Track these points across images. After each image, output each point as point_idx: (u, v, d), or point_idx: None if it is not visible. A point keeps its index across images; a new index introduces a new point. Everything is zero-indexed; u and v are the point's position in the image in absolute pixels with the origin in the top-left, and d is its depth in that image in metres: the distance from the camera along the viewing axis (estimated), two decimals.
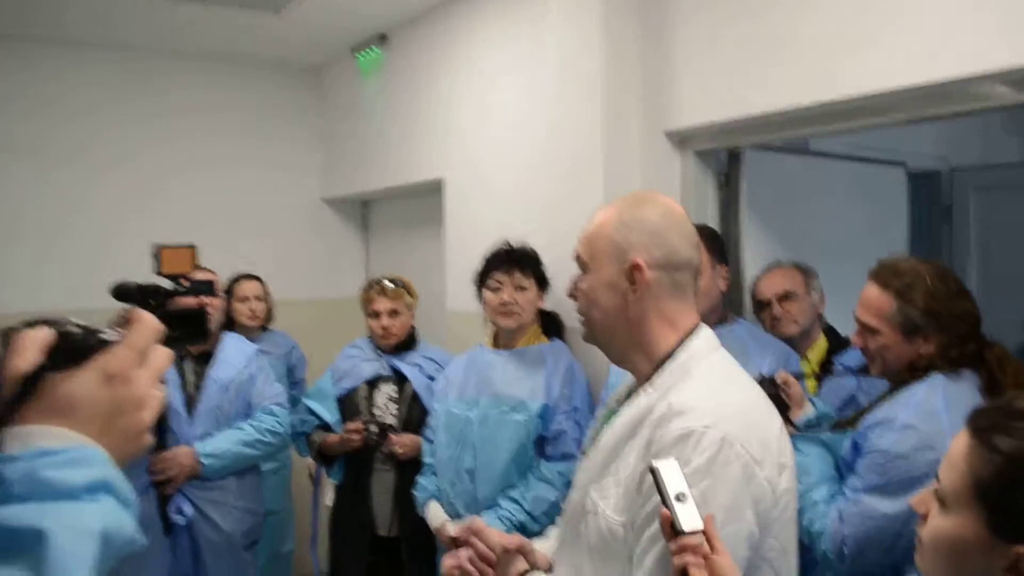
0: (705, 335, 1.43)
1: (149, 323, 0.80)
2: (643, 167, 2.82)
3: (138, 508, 0.76)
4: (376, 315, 3.08)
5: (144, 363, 0.79)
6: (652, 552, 1.23)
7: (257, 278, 3.89)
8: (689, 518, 1.13)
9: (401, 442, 2.93)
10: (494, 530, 1.51)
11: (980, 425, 1.02)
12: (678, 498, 1.14)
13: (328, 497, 3.29)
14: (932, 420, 1.76)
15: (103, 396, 0.75)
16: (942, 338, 1.86)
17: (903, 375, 1.91)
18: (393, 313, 3.08)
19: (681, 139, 2.88)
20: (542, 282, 2.78)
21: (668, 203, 1.47)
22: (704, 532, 1.13)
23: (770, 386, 2.06)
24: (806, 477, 1.91)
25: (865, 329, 1.94)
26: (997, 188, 4.08)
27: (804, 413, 2.09)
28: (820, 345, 2.81)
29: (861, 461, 1.85)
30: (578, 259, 1.48)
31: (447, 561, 1.52)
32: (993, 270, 4.01)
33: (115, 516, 0.72)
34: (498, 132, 3.32)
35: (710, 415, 1.26)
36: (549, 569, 1.50)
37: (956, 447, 1.04)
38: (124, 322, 0.80)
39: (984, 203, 4.12)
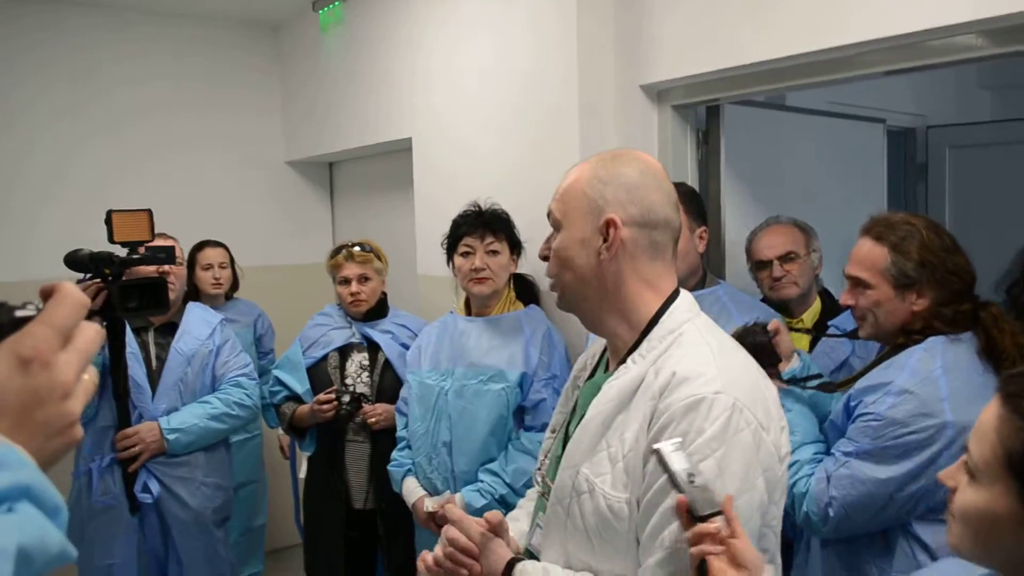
0: (686, 300, 1.38)
1: (72, 296, 0.67)
2: (619, 123, 2.74)
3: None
4: (345, 281, 2.98)
5: (68, 344, 0.67)
6: (667, 529, 1.17)
7: (221, 244, 3.78)
8: (706, 501, 1.08)
9: (374, 412, 2.85)
10: (471, 519, 1.44)
11: (1011, 391, 0.96)
12: (690, 480, 1.09)
13: (302, 470, 3.20)
14: (930, 386, 1.70)
15: (17, 384, 0.63)
16: (936, 294, 1.81)
17: (896, 337, 1.85)
18: (363, 279, 2.97)
19: (658, 93, 2.81)
20: (515, 245, 2.67)
21: (647, 160, 1.40)
22: (723, 514, 1.08)
23: (762, 333, 2.00)
24: (790, 436, 1.85)
25: (857, 284, 1.88)
26: (971, 146, 4.07)
27: (790, 366, 2.04)
28: (815, 308, 2.76)
29: (853, 425, 1.79)
30: (551, 217, 1.40)
31: (427, 558, 1.45)
32: (967, 227, 4.00)
33: (35, 528, 0.60)
34: (469, 88, 3.20)
35: (718, 381, 1.21)
36: (519, 553, 1.45)
37: (986, 416, 0.98)
38: (47, 296, 0.69)
39: (959, 160, 4.11)
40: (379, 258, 3.03)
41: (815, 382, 2.00)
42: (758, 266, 2.74)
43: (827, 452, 1.87)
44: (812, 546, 1.93)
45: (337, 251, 3.02)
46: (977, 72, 4.41)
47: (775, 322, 2.08)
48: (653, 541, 1.19)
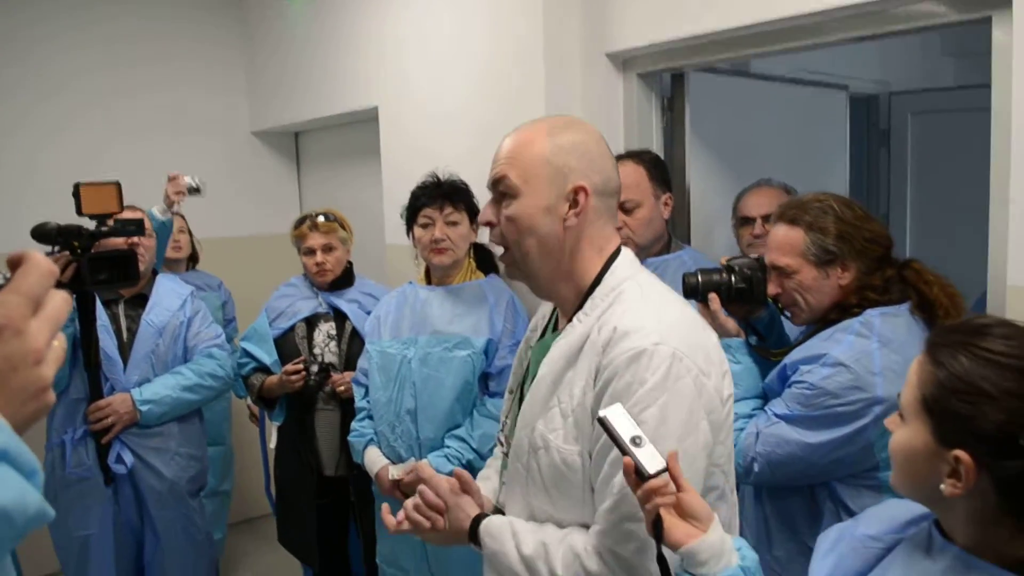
0: (627, 257, 1.43)
1: (40, 265, 0.69)
2: (584, 90, 2.75)
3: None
4: (310, 252, 2.97)
5: (38, 311, 0.68)
6: (618, 476, 1.22)
7: (178, 214, 3.75)
8: (651, 460, 1.12)
9: (343, 380, 2.86)
10: (441, 477, 1.48)
11: (933, 341, 1.09)
12: (634, 442, 1.13)
13: (272, 439, 3.21)
14: (864, 359, 1.74)
15: None
16: (858, 265, 1.83)
17: (832, 314, 1.87)
18: (328, 249, 2.97)
19: (624, 61, 2.82)
20: (474, 215, 2.66)
21: (593, 128, 1.44)
22: (668, 471, 1.13)
23: (759, 269, 1.99)
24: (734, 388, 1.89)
25: (779, 273, 1.90)
26: (933, 112, 4.12)
27: (762, 312, 2.07)
28: None
29: (788, 390, 1.83)
30: (504, 182, 1.39)
31: (393, 518, 1.49)
32: (928, 193, 4.07)
33: (14, 489, 0.62)
34: (435, 57, 3.19)
35: (657, 332, 1.27)
36: (491, 509, 1.50)
37: (912, 365, 1.10)
38: (15, 265, 0.70)
39: (921, 127, 4.16)
40: (344, 227, 3.03)
41: (757, 341, 2.05)
42: (742, 222, 2.76)
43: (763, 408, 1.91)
44: (746, 495, 1.97)
45: (301, 221, 3.01)
46: (940, 39, 4.45)
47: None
48: (605, 487, 1.26)
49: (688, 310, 1.40)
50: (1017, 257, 1.91)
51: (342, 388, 2.86)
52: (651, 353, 1.24)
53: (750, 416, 1.88)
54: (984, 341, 1.02)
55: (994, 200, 2.01)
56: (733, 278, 2.00)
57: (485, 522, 1.41)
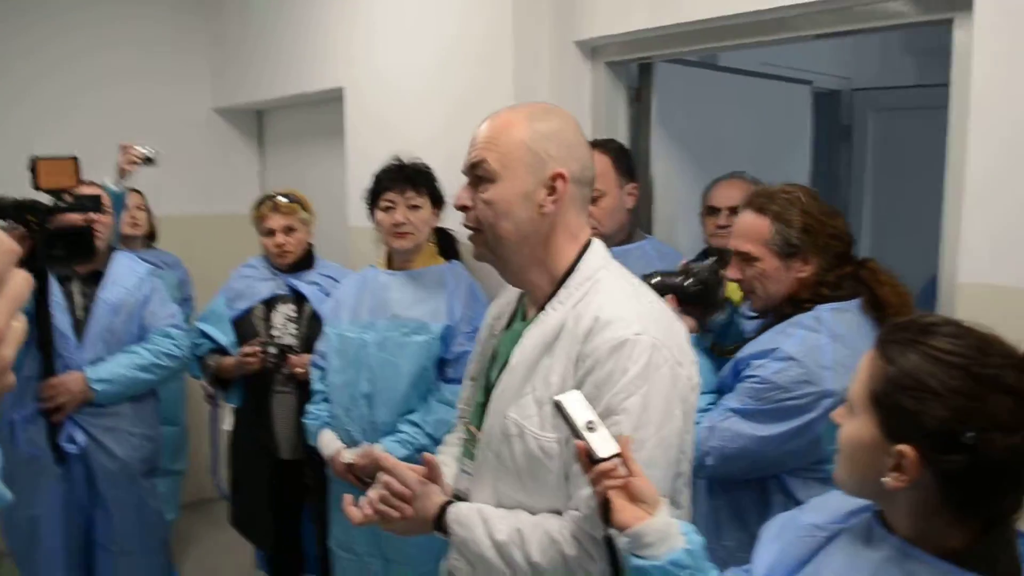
0: (598, 248, 1.44)
1: (2, 243, 0.66)
2: (553, 77, 2.75)
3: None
4: (270, 233, 2.94)
5: None
6: None
7: (136, 190, 3.71)
8: (603, 445, 1.15)
9: (301, 362, 2.84)
10: (405, 465, 1.48)
11: (883, 338, 1.11)
12: (588, 427, 1.15)
13: (227, 422, 3.18)
14: (815, 353, 1.77)
15: None
16: (819, 260, 1.85)
17: (784, 307, 1.89)
18: (288, 230, 2.94)
19: (592, 50, 2.83)
20: (437, 199, 2.66)
21: (571, 116, 1.45)
22: (620, 455, 1.15)
23: (714, 275, 2.03)
24: None
25: (742, 259, 1.92)
26: (894, 109, 4.17)
27: (718, 314, 2.10)
28: None
29: (740, 384, 1.86)
30: (482, 166, 1.39)
31: (356, 510, 1.48)
32: (888, 188, 4.13)
33: None
34: (403, 40, 3.17)
35: (638, 323, 1.29)
36: (453, 496, 1.49)
37: (863, 360, 1.12)
38: None
39: (882, 123, 4.21)
40: (305, 209, 2.99)
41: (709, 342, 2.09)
42: (708, 211, 2.77)
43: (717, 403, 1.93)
44: (698, 487, 2.00)
45: (262, 202, 2.97)
46: (902, 37, 4.52)
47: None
48: (581, 475, 1.25)
49: (660, 301, 1.43)
50: (967, 255, 1.95)
51: (299, 370, 2.84)
52: (633, 343, 1.27)
53: (705, 411, 1.90)
54: (932, 339, 1.04)
55: (948, 198, 2.05)
56: (690, 281, 2.03)
57: (453, 509, 1.40)
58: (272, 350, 2.83)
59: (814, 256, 1.85)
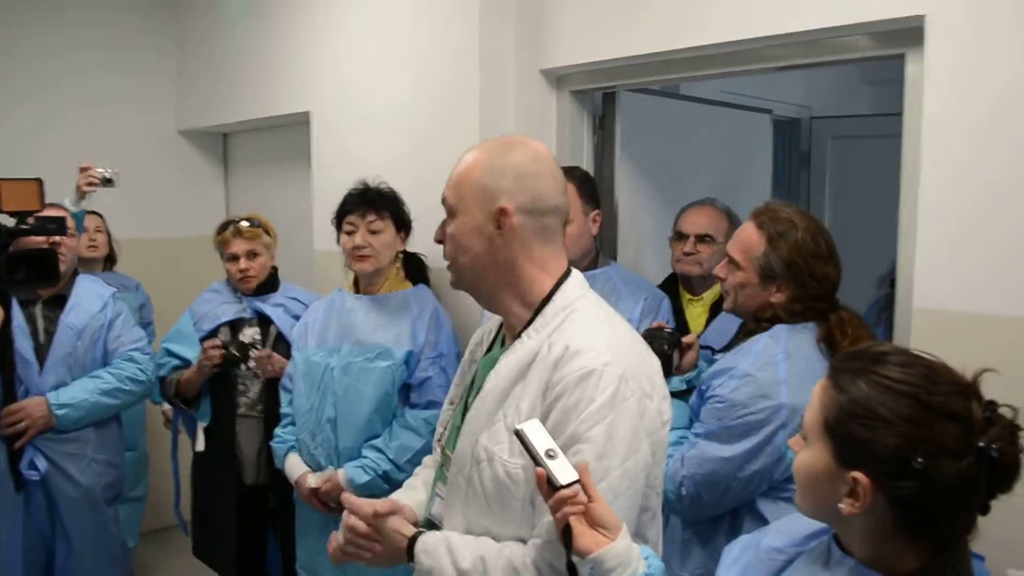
0: (577, 279, 1.46)
1: None
2: (518, 105, 2.79)
3: None
4: (233, 258, 2.92)
5: None
6: None
7: (96, 213, 3.69)
8: (563, 472, 1.16)
9: (265, 354, 2.80)
10: (364, 500, 1.48)
11: (836, 367, 1.13)
12: (548, 455, 1.17)
13: (200, 442, 3.06)
14: (770, 369, 1.82)
15: None
16: (794, 293, 1.90)
17: (749, 323, 1.97)
18: (251, 255, 2.92)
19: (557, 78, 2.88)
20: (401, 224, 2.67)
21: (538, 148, 1.47)
22: (580, 482, 1.16)
23: (670, 345, 2.08)
24: None
25: (730, 262, 1.98)
26: (852, 137, 4.28)
27: (690, 374, 2.13)
28: (717, 289, 2.86)
29: (704, 407, 1.91)
30: (445, 203, 1.46)
31: (339, 554, 1.50)
32: (845, 213, 4.21)
33: None
34: (370, 67, 3.19)
35: (607, 353, 1.31)
36: (417, 523, 1.51)
37: (816, 388, 1.14)
38: None
39: (840, 150, 4.31)
40: (268, 233, 2.98)
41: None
42: (677, 236, 2.81)
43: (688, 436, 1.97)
44: (672, 522, 2.04)
45: (224, 227, 2.95)
46: (860, 68, 4.63)
47: (691, 337, 2.17)
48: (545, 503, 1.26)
49: (634, 333, 1.45)
50: (922, 280, 2.01)
51: (263, 357, 2.79)
52: (600, 373, 1.29)
53: (677, 444, 1.94)
54: (883, 368, 1.07)
55: (903, 225, 2.11)
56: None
57: (421, 539, 1.41)
58: (233, 346, 2.79)
59: (789, 288, 1.90)
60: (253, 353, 2.83)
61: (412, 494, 1.62)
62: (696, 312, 2.79)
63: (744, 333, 1.98)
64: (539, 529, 1.29)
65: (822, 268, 1.90)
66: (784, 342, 1.85)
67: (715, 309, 2.75)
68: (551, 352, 1.34)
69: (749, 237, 1.95)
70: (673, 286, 2.81)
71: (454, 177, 1.45)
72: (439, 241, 1.49)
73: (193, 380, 2.87)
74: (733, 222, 2.81)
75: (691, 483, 1.86)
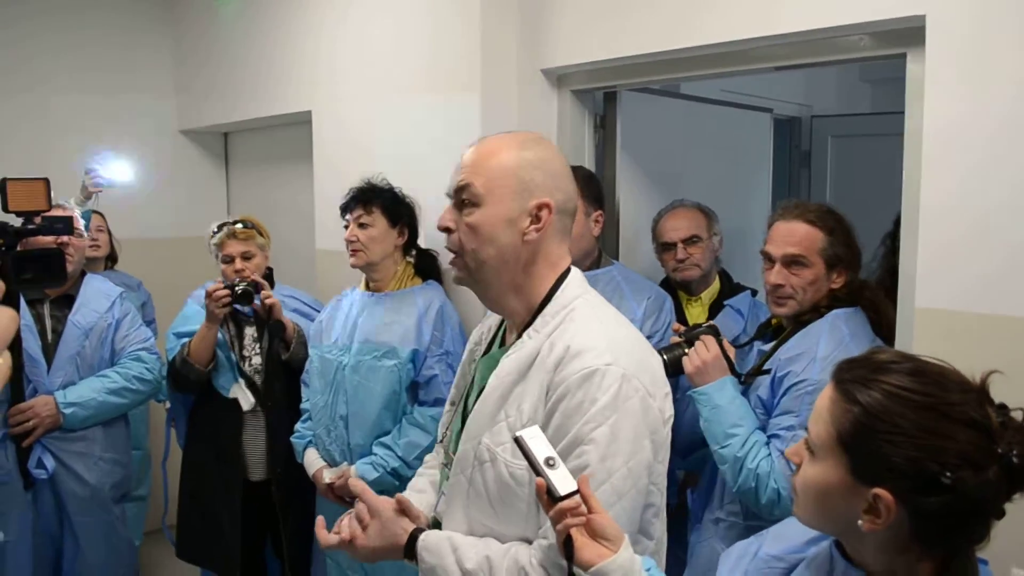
0: (576, 277, 1.45)
1: None
2: (520, 104, 2.79)
3: None
4: (229, 260, 2.94)
5: None
6: None
7: (98, 212, 3.69)
8: (563, 482, 1.14)
9: (270, 295, 2.83)
10: (381, 498, 1.47)
11: (842, 379, 1.09)
12: (548, 464, 1.14)
13: (246, 400, 2.91)
14: (845, 348, 1.90)
15: None
16: (849, 273, 2.05)
17: (805, 314, 2.05)
18: (246, 256, 2.94)
19: (559, 78, 2.88)
20: (396, 217, 2.67)
21: (556, 147, 1.48)
22: (580, 493, 1.14)
23: (679, 355, 2.13)
24: (739, 427, 1.97)
25: (792, 263, 2.03)
26: (852, 135, 4.28)
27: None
28: (714, 287, 2.88)
29: (786, 396, 1.94)
30: (468, 190, 1.39)
31: (325, 536, 1.49)
32: (845, 211, 4.21)
33: None
34: (371, 66, 3.20)
35: (609, 353, 1.30)
36: (427, 524, 1.49)
37: (822, 400, 1.11)
38: None
39: (840, 149, 4.31)
40: (261, 234, 3.01)
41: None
42: (663, 247, 2.82)
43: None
44: (704, 520, 2.08)
45: (218, 230, 2.98)
46: (860, 67, 4.63)
47: (724, 340, 2.16)
48: None
49: (634, 331, 1.44)
50: (925, 279, 2.01)
51: (269, 301, 2.82)
52: (603, 373, 1.28)
53: (763, 443, 1.95)
54: (891, 377, 1.04)
55: (904, 224, 2.12)
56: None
57: (422, 537, 1.40)
58: (240, 286, 2.79)
59: (848, 269, 2.05)
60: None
61: (420, 497, 1.61)
62: (696, 312, 2.82)
63: (796, 324, 2.05)
64: (545, 529, 1.28)
65: (857, 244, 2.08)
66: (845, 324, 1.97)
67: (714, 308, 2.77)
68: (552, 353, 1.33)
69: (807, 234, 2.03)
70: (670, 287, 2.83)
71: (478, 161, 1.40)
72: (444, 228, 1.43)
73: (203, 337, 2.82)
74: (708, 215, 2.83)
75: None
